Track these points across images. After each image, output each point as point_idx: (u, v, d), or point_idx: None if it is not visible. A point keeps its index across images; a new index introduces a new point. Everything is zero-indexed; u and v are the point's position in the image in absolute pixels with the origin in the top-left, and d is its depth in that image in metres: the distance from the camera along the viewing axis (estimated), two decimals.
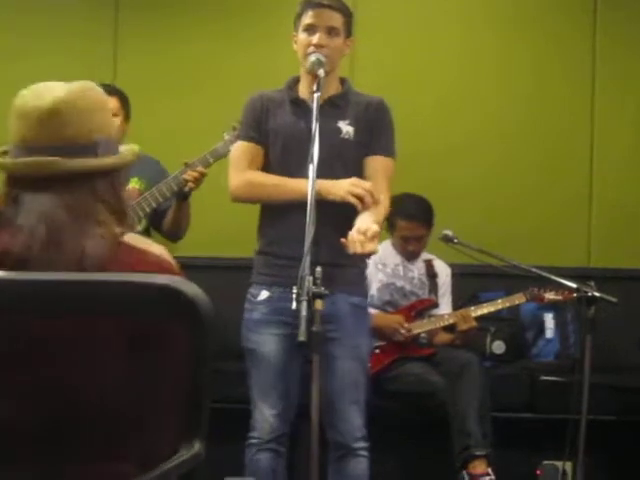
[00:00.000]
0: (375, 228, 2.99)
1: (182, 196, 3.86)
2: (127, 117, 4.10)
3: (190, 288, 1.46)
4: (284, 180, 3.22)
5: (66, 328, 1.57)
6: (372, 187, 3.11)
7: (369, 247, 2.95)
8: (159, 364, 1.58)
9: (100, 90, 1.84)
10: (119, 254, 1.68)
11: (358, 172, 3.24)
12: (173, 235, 4.06)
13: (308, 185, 2.94)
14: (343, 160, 3.25)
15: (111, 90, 4.04)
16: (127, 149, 1.85)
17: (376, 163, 3.28)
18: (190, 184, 3.74)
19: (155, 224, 4.07)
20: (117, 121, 4.07)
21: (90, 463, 1.59)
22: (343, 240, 2.97)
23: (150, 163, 4.04)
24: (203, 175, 3.74)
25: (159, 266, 1.68)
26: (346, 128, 3.27)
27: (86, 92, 1.78)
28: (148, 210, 3.84)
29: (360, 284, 3.35)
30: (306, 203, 2.92)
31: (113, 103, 4.08)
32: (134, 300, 1.49)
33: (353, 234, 2.98)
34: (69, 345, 1.58)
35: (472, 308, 4.36)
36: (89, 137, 1.76)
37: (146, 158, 4.07)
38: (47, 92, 1.76)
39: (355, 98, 3.33)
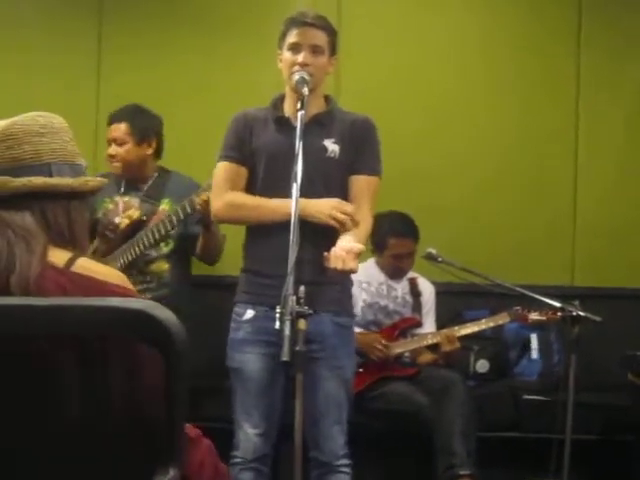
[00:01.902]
0: (360, 247, 3.02)
1: (205, 226, 3.87)
2: (143, 141, 4.06)
3: (163, 313, 1.44)
4: (265, 201, 3.22)
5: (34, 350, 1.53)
6: (353, 210, 3.12)
7: (350, 265, 2.97)
8: (131, 388, 1.55)
9: (59, 119, 1.85)
10: (56, 280, 1.67)
11: (343, 191, 3.24)
12: (205, 260, 4.15)
13: (289, 205, 2.92)
14: (328, 179, 3.24)
15: (124, 114, 4.04)
16: (94, 179, 1.86)
17: (361, 183, 3.27)
18: (199, 208, 3.69)
19: (188, 248, 4.11)
20: (125, 147, 4.04)
21: None
22: (326, 254, 2.98)
23: (181, 183, 4.07)
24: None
25: (111, 293, 1.67)
26: (332, 147, 3.26)
27: (38, 118, 1.82)
28: (164, 232, 3.83)
29: (345, 303, 3.33)
30: (289, 223, 2.90)
31: (119, 131, 4.05)
32: (106, 323, 1.47)
33: (336, 250, 2.99)
34: (38, 366, 1.55)
35: (456, 328, 4.35)
36: (39, 158, 1.78)
37: (178, 177, 4.10)
38: (1, 122, 1.82)
39: (340, 116, 3.32)
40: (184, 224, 3.92)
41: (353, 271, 3.02)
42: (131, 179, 4.08)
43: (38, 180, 1.75)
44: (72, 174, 1.80)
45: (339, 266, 2.96)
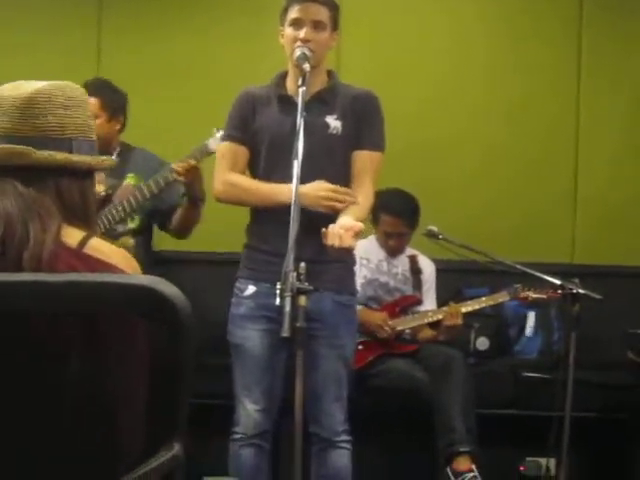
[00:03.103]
0: (359, 225, 3.02)
1: (192, 200, 3.83)
2: (114, 117, 4.04)
3: (168, 289, 1.44)
4: (262, 186, 3.24)
5: (39, 328, 1.53)
6: (346, 192, 3.15)
7: (347, 242, 2.96)
8: (136, 364, 1.55)
9: (82, 91, 1.80)
10: (68, 261, 1.64)
11: (346, 167, 3.26)
12: (180, 233, 4.08)
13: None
14: (332, 155, 3.25)
15: (94, 89, 3.98)
16: (108, 158, 1.82)
17: (364, 158, 3.28)
18: (177, 175, 3.68)
19: (159, 223, 4.10)
20: (96, 123, 4.02)
21: (65, 463, 1.56)
22: (324, 230, 2.98)
23: (148, 158, 4.04)
24: (192, 167, 3.67)
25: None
26: (334, 123, 3.26)
27: (65, 89, 1.75)
28: (135, 206, 3.81)
29: (347, 281, 3.35)
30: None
31: (93, 104, 4.02)
32: (113, 299, 1.46)
33: (335, 227, 2.99)
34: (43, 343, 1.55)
35: (457, 305, 4.36)
36: (63, 132, 1.73)
37: (143, 153, 4.05)
38: (26, 85, 1.75)
39: (343, 91, 3.32)
40: (157, 199, 3.87)
41: (351, 248, 3.03)
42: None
43: (60, 156, 1.71)
44: (89, 151, 1.76)
45: (336, 243, 2.96)
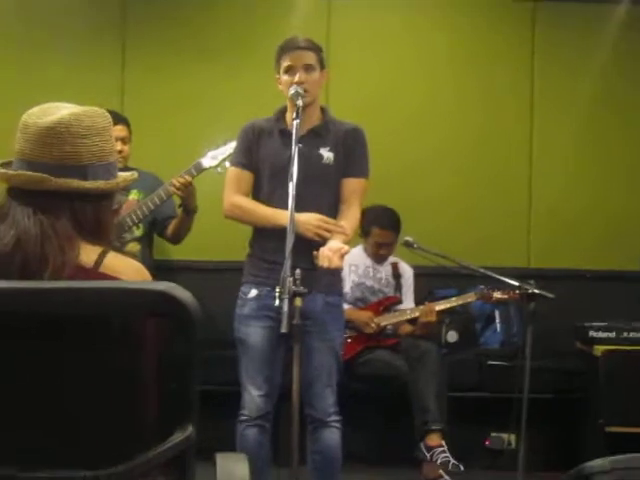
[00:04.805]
0: (346, 248, 3.08)
1: (186, 211, 3.86)
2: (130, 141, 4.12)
3: (182, 293, 1.46)
4: (263, 209, 3.24)
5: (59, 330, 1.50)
6: (334, 224, 3.16)
7: (335, 263, 3.03)
8: (154, 359, 1.54)
9: (105, 116, 1.72)
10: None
11: (337, 191, 3.28)
12: (173, 240, 4.12)
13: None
14: (325, 182, 3.26)
15: (120, 117, 4.01)
16: (125, 175, 1.77)
17: (352, 184, 3.29)
18: (175, 190, 3.71)
19: (158, 230, 4.13)
20: (127, 148, 4.06)
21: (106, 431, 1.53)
22: (315, 253, 3.03)
23: (148, 177, 4.04)
24: (188, 183, 3.70)
25: None
26: (327, 154, 3.27)
27: (85, 117, 1.68)
28: (142, 217, 3.83)
29: (335, 285, 3.34)
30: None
31: (125, 131, 4.06)
32: (136, 303, 1.48)
33: (325, 250, 3.04)
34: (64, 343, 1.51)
35: (431, 304, 4.36)
36: (79, 160, 1.66)
37: (144, 173, 4.07)
38: (50, 112, 1.68)
39: (334, 127, 3.32)
40: (157, 210, 3.87)
41: (338, 268, 3.08)
42: None
43: (75, 183, 1.65)
44: (105, 174, 1.69)
45: (325, 264, 3.01)
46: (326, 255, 3.01)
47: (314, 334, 3.18)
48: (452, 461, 3.97)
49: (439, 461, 3.99)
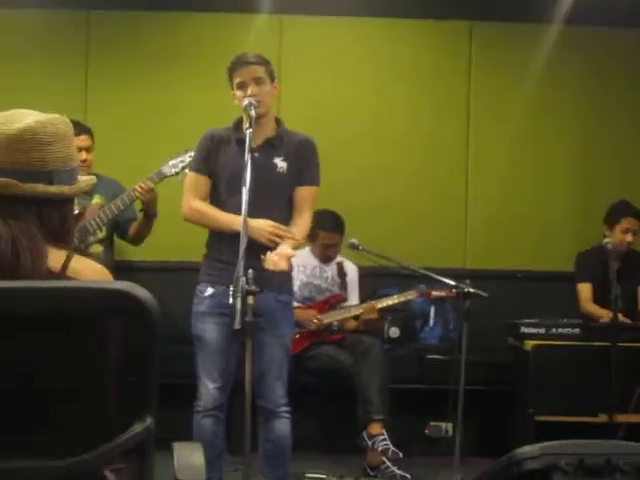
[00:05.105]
0: (292, 253, 3.13)
1: (147, 215, 3.91)
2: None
3: (142, 292, 1.48)
4: (220, 215, 3.26)
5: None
6: (285, 230, 3.19)
7: (281, 266, 3.08)
8: (116, 354, 1.52)
9: (67, 123, 1.70)
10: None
11: (290, 199, 3.30)
12: (134, 241, 4.13)
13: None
14: (278, 190, 3.28)
15: (84, 128, 4.03)
16: (85, 179, 1.75)
17: (304, 192, 3.32)
18: (138, 195, 3.76)
19: (119, 233, 4.13)
20: (90, 157, 4.07)
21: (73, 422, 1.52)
22: (262, 257, 3.07)
23: (111, 182, 4.06)
24: (150, 189, 3.75)
25: None
26: (281, 164, 3.29)
27: (50, 124, 1.66)
28: (106, 220, 3.85)
29: (286, 285, 3.36)
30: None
31: (88, 140, 4.07)
32: (99, 302, 1.48)
33: (271, 254, 3.08)
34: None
35: (374, 302, 4.40)
36: (44, 166, 1.64)
37: (107, 179, 4.09)
38: (15, 119, 1.66)
39: (288, 137, 3.33)
40: (120, 214, 3.91)
41: (284, 271, 3.11)
42: None
43: (40, 187, 1.63)
44: (69, 179, 1.68)
45: (271, 267, 3.06)
46: (271, 259, 3.06)
47: (266, 330, 3.20)
48: (392, 448, 4.02)
49: (380, 448, 4.04)
